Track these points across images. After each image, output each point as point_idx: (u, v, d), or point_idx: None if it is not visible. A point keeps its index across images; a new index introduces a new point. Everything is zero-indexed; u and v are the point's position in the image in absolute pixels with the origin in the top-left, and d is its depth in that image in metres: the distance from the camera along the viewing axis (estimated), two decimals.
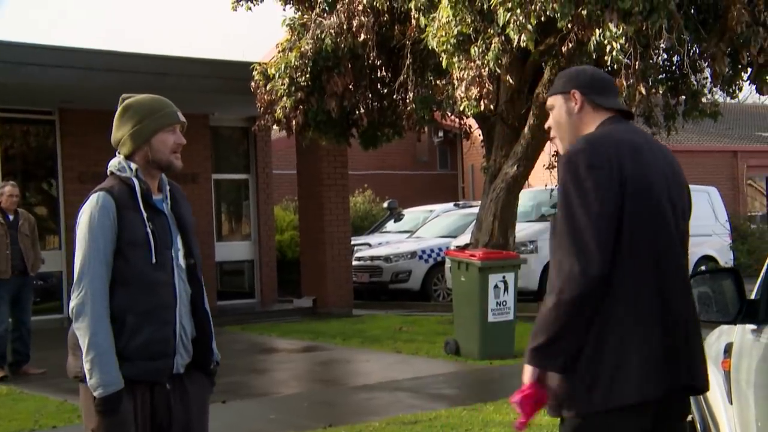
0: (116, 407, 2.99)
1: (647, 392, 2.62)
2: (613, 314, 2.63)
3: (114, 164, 3.20)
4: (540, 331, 2.65)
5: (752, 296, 3.27)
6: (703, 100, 10.76)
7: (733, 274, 3.13)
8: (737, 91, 10.66)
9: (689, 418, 3.75)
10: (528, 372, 2.72)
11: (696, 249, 15.26)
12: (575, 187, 2.63)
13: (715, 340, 3.82)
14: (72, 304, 3.02)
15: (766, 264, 3.35)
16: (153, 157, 3.15)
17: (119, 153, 3.22)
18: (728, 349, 3.49)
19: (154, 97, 3.27)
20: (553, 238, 2.69)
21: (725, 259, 15.77)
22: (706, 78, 10.50)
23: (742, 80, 10.29)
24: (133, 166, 3.15)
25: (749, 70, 10.01)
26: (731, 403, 3.40)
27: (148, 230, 3.07)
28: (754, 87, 10.23)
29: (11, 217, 9.06)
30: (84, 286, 3.01)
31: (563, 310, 2.60)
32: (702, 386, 2.78)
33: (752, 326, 3.24)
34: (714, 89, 10.85)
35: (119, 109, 3.23)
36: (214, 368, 3.31)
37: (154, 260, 3.06)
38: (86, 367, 2.98)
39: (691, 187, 2.83)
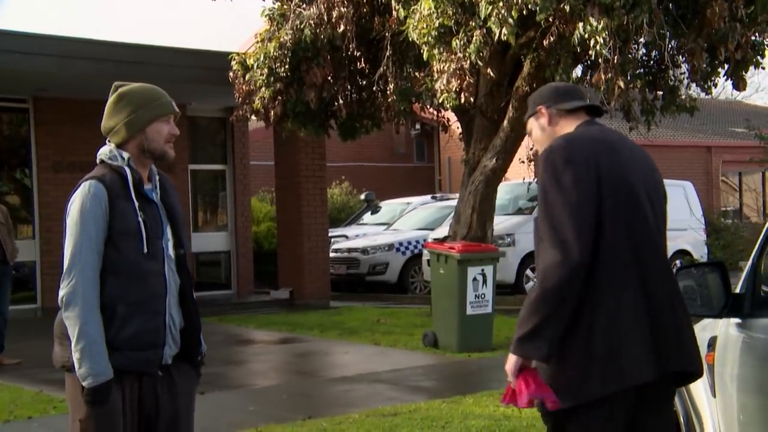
0: (105, 397, 2.97)
1: (640, 376, 2.71)
2: (600, 304, 2.73)
3: (105, 152, 3.17)
4: (524, 320, 2.73)
5: (737, 290, 3.28)
6: (681, 95, 10.83)
7: (718, 267, 3.15)
8: (713, 87, 10.72)
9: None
10: (512, 362, 2.78)
11: (671, 243, 15.02)
12: (554, 181, 2.76)
13: (698, 334, 3.84)
14: (62, 293, 3.00)
15: (751, 258, 3.37)
16: (147, 146, 3.14)
17: (110, 141, 3.19)
18: (712, 343, 3.51)
19: (149, 86, 3.24)
20: (536, 234, 2.81)
21: (700, 253, 15.91)
22: (684, 73, 10.57)
23: (719, 76, 10.35)
24: (125, 155, 3.13)
25: (726, 65, 10.07)
26: (714, 396, 3.43)
27: (140, 220, 3.05)
28: (730, 82, 10.29)
29: None
30: (75, 275, 2.98)
31: (546, 299, 2.69)
32: (696, 371, 2.88)
33: (737, 320, 3.26)
34: (691, 84, 10.90)
35: (113, 97, 3.20)
36: (201, 360, 3.30)
37: (145, 250, 3.04)
38: (75, 356, 2.96)
39: (667, 181, 2.95)
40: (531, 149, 11.66)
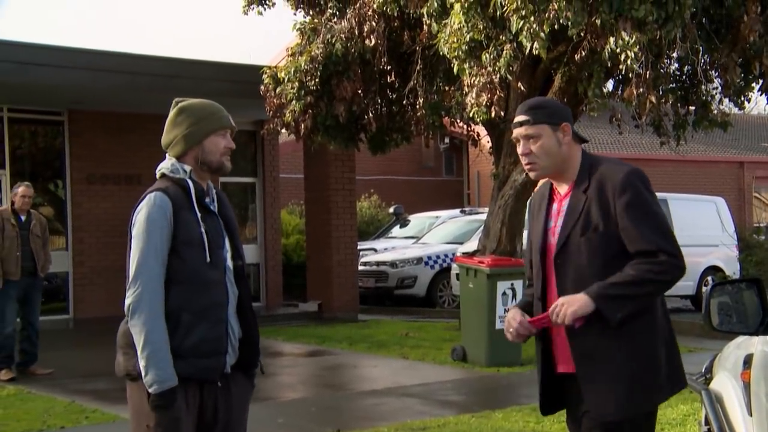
0: (171, 403, 3.03)
1: (681, 385, 3.21)
2: (665, 320, 3.17)
3: (166, 166, 3.24)
4: (623, 286, 2.98)
5: None
6: (713, 110, 10.74)
7: (755, 284, 3.11)
8: (746, 102, 10.63)
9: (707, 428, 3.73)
10: (583, 306, 2.97)
11: (703, 259, 15.23)
12: (650, 192, 3.07)
13: (733, 351, 3.79)
14: (128, 301, 3.06)
15: None
16: (204, 158, 3.21)
17: (169, 155, 3.26)
18: (748, 361, 3.45)
19: (207, 101, 3.32)
20: (628, 214, 3.01)
21: (732, 269, 15.72)
22: (717, 88, 10.49)
23: (753, 91, 10.27)
24: (187, 167, 3.20)
25: (760, 81, 10.00)
26: (751, 415, 3.37)
27: (203, 230, 3.12)
28: (764, 97, 10.21)
29: (23, 218, 9.05)
30: (140, 284, 3.04)
31: (653, 284, 3.01)
32: None
33: None
34: (724, 99, 10.82)
35: (173, 111, 3.28)
36: (261, 369, 3.37)
37: (208, 259, 3.10)
38: (141, 363, 3.02)
39: (699, 197, 3.09)
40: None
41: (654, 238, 3.00)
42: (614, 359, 3.03)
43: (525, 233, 11.35)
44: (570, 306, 2.99)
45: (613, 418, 3.03)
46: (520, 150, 3.20)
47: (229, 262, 3.23)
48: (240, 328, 3.23)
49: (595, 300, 2.98)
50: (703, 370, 5.98)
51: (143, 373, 3.01)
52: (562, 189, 3.23)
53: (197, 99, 3.33)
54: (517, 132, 3.19)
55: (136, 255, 3.08)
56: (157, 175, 3.25)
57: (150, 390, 3.02)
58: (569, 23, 8.28)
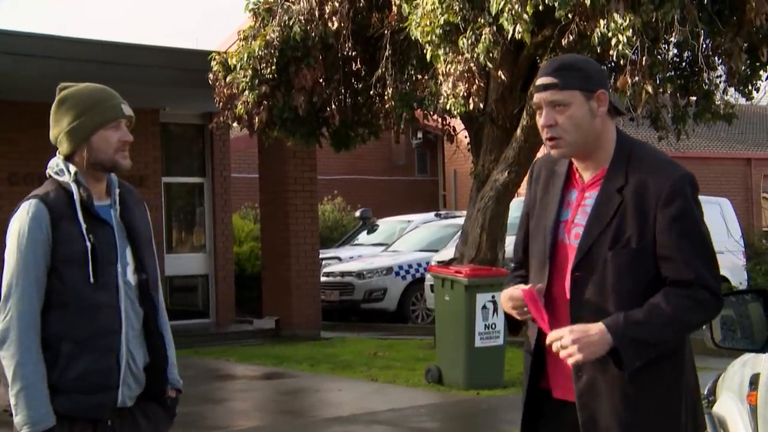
0: None
1: None
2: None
3: (52, 166, 3.11)
4: (654, 326, 2.74)
5: None
6: (717, 100, 10.84)
7: (762, 296, 3.14)
8: (754, 92, 10.74)
9: None
10: (599, 351, 2.73)
11: None
12: (699, 206, 2.84)
13: (738, 370, 3.84)
14: None
15: None
16: (94, 157, 3.06)
17: (58, 152, 3.13)
18: (754, 381, 3.51)
19: (94, 87, 3.17)
20: (673, 231, 2.77)
21: (738, 279, 15.88)
22: (720, 76, 10.59)
23: (761, 79, 10.38)
24: (72, 168, 3.06)
25: None
26: None
27: (88, 244, 2.97)
28: None
29: None
30: (10, 310, 2.93)
31: (687, 330, 2.84)
32: None
33: None
34: (729, 89, 10.92)
35: (55, 101, 3.13)
36: (173, 398, 3.24)
37: (92, 279, 2.96)
38: (12, 401, 2.91)
39: (702, 198, 3.04)
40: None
41: (698, 267, 2.76)
42: (629, 406, 2.79)
43: (515, 212, 11.38)
44: (584, 346, 2.71)
45: None
46: (542, 120, 2.88)
47: (130, 277, 3.09)
48: (146, 353, 3.12)
49: (616, 339, 2.71)
50: (705, 392, 6.04)
51: (14, 413, 2.90)
52: (587, 174, 2.94)
53: (83, 84, 3.16)
54: (540, 97, 2.88)
55: (6, 275, 2.95)
56: (46, 175, 3.12)
57: None
58: (556, 4, 8.33)
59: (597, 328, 2.72)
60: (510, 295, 2.92)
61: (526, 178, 3.16)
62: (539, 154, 11.18)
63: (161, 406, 3.20)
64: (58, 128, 3.09)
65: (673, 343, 2.81)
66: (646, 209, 2.77)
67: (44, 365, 2.92)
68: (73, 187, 3.01)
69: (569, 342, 2.72)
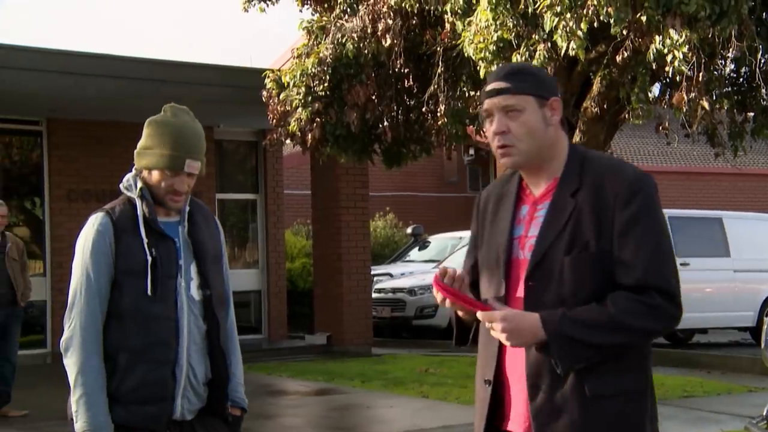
0: None
1: None
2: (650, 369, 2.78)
3: (125, 179, 3.19)
4: (596, 327, 2.56)
5: None
6: None
7: None
8: None
9: None
10: (528, 341, 2.59)
11: (764, 286, 15.06)
12: (660, 208, 2.69)
13: None
14: (63, 337, 3.03)
15: None
16: (149, 187, 3.13)
17: (134, 167, 3.22)
18: None
19: (178, 128, 3.12)
20: (631, 232, 2.62)
21: None
22: None
23: None
24: (140, 184, 3.13)
25: None
26: None
27: (148, 258, 3.02)
28: None
29: None
30: (74, 319, 3.00)
31: (635, 338, 2.63)
32: None
33: None
34: None
35: (151, 117, 3.24)
36: (236, 416, 3.25)
37: (149, 291, 3.00)
38: (72, 408, 2.97)
39: (759, 215, 2.89)
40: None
41: (654, 271, 2.60)
42: (592, 423, 2.61)
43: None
44: (513, 335, 2.58)
45: None
46: (493, 127, 2.73)
47: (195, 293, 3.12)
48: (208, 368, 3.15)
49: (548, 334, 2.56)
50: (765, 413, 5.92)
51: (74, 419, 2.97)
52: (537, 188, 2.79)
53: (176, 118, 3.16)
54: (491, 103, 2.74)
55: (72, 287, 3.05)
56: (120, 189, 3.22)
57: None
58: (610, 20, 8.26)
59: (531, 318, 2.58)
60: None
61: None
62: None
63: (224, 423, 3.23)
64: (139, 143, 3.18)
65: (614, 350, 2.60)
66: (603, 211, 2.63)
67: (104, 374, 2.99)
68: (138, 202, 3.09)
69: (499, 329, 2.58)
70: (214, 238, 3.26)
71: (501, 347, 2.74)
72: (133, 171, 3.17)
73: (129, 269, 3.02)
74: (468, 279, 2.80)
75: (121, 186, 3.17)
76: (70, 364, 2.98)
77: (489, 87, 2.76)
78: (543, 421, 2.61)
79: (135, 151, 3.17)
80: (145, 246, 3.03)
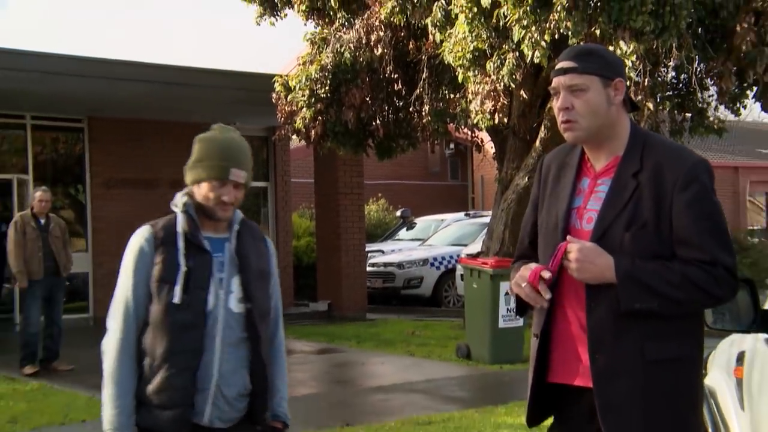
0: None
1: None
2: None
3: (175, 197, 2.93)
4: (665, 277, 2.42)
5: (766, 306, 3.25)
6: (709, 116, 10.73)
7: (748, 284, 3.10)
8: (741, 109, 10.60)
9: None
10: (599, 278, 2.44)
11: None
12: (715, 192, 2.51)
13: (726, 348, 3.80)
14: (104, 340, 2.84)
15: None
16: (198, 200, 2.86)
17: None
18: (740, 358, 3.47)
19: (224, 141, 2.88)
20: (690, 214, 2.45)
21: None
22: (712, 96, 10.47)
23: (747, 98, 10.25)
24: (184, 199, 2.88)
25: (754, 88, 9.97)
26: (743, 410, 3.38)
27: (181, 268, 2.77)
28: (759, 104, 10.19)
29: (42, 222, 9.14)
30: (111, 324, 2.83)
31: (698, 298, 2.46)
32: None
33: (765, 336, 3.22)
34: (719, 107, 10.79)
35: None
36: (276, 429, 2.95)
37: (177, 300, 2.75)
38: (103, 406, 2.79)
39: None
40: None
41: (715, 249, 2.44)
42: (650, 385, 2.45)
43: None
44: (584, 268, 2.44)
45: None
46: (558, 103, 2.55)
47: (234, 305, 2.81)
48: (246, 380, 2.83)
49: (621, 276, 2.41)
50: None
51: (103, 416, 2.77)
52: (599, 163, 2.60)
53: (223, 135, 2.90)
54: (558, 81, 2.54)
55: (115, 294, 2.84)
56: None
57: None
58: (569, 33, 8.29)
59: (606, 257, 2.42)
60: (519, 275, 2.58)
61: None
62: None
63: (261, 429, 2.91)
64: (189, 161, 2.91)
65: (676, 306, 2.43)
66: (663, 194, 2.45)
67: (134, 379, 2.78)
68: (180, 217, 2.84)
69: (573, 258, 2.44)
70: (262, 256, 2.97)
71: (551, 307, 2.57)
72: (184, 189, 2.91)
73: (163, 278, 2.78)
74: (527, 241, 2.74)
75: (171, 204, 2.90)
76: (106, 366, 2.79)
77: (558, 66, 2.57)
78: (605, 381, 2.45)
79: (185, 168, 2.92)
80: (180, 257, 2.79)
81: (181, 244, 2.80)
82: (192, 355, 2.75)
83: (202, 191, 2.84)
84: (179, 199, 2.88)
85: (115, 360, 2.77)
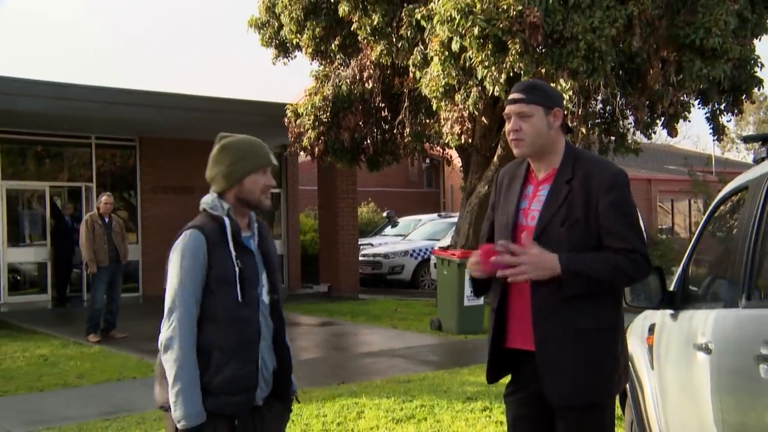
0: None
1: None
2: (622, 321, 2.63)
3: (207, 201, 2.60)
4: (598, 266, 2.44)
5: (671, 288, 3.28)
6: (628, 139, 10.80)
7: (658, 271, 3.14)
8: (653, 134, 10.67)
9: None
10: (548, 275, 2.42)
11: None
12: (630, 194, 2.53)
13: (641, 321, 3.83)
14: (161, 336, 2.48)
15: (681, 265, 3.37)
16: (244, 196, 2.58)
17: (211, 190, 2.63)
18: (652, 328, 3.51)
19: (249, 138, 2.65)
20: (612, 212, 2.47)
21: None
22: (631, 123, 10.53)
23: (657, 125, 10.32)
24: (226, 205, 2.56)
25: (662, 118, 10.05)
26: (653, 369, 3.42)
27: (237, 268, 2.50)
28: (665, 131, 10.28)
29: (107, 220, 9.17)
30: (174, 321, 2.45)
31: (622, 280, 2.49)
32: None
33: (670, 311, 3.26)
34: (636, 132, 10.86)
35: (216, 147, 2.62)
36: (295, 398, 2.77)
37: (240, 298, 2.49)
38: (171, 399, 2.44)
39: None
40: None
41: (633, 240, 2.47)
42: (579, 348, 2.45)
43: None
44: (535, 268, 2.43)
45: (569, 403, 2.47)
46: (509, 126, 2.56)
47: (265, 297, 2.60)
48: (274, 361, 2.63)
49: (565, 271, 2.42)
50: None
51: (173, 409, 2.43)
52: (540, 173, 2.61)
53: (240, 135, 2.66)
54: (510, 109, 2.57)
55: (171, 291, 2.48)
56: (200, 209, 2.61)
57: (178, 425, 2.43)
58: (522, 72, 8.32)
59: (551, 256, 2.43)
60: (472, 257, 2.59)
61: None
62: None
63: (283, 404, 2.71)
64: (216, 169, 2.59)
65: (606, 286, 2.48)
66: (590, 196, 2.48)
67: (198, 370, 2.46)
68: (226, 221, 2.53)
69: (525, 261, 2.43)
70: (275, 250, 2.74)
71: (505, 287, 2.58)
72: (213, 195, 2.60)
73: (221, 278, 2.48)
74: (486, 236, 2.73)
75: (204, 206, 2.59)
76: (170, 360, 2.44)
77: (510, 96, 2.59)
78: (543, 345, 2.48)
79: (213, 176, 2.60)
80: (234, 259, 2.50)
81: (231, 246, 2.52)
82: (254, 345, 2.53)
83: (250, 184, 2.57)
84: (218, 203, 2.57)
85: (182, 355, 2.44)
